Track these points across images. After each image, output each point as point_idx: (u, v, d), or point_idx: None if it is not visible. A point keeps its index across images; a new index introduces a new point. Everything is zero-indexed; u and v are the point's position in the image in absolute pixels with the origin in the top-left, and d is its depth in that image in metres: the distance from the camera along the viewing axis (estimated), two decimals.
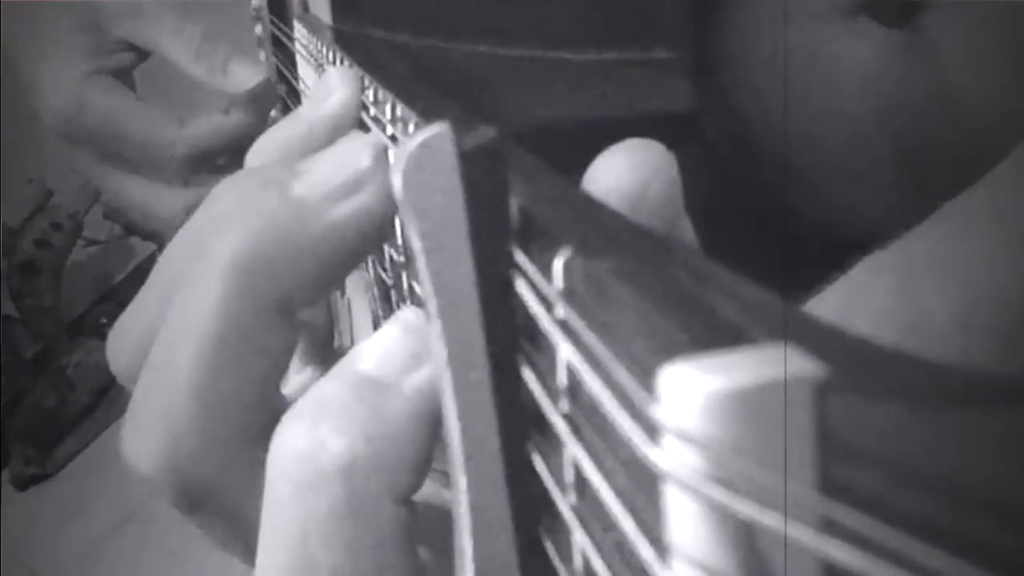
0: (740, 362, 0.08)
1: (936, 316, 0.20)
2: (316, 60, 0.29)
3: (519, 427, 0.13)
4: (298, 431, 0.14)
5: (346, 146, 0.17)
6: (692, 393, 0.08)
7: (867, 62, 0.31)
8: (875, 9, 0.31)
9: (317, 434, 0.14)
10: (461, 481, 0.13)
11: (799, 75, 0.32)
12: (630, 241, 0.12)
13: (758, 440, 0.08)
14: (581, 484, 0.12)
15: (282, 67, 0.40)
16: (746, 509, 0.08)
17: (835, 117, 0.32)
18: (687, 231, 0.16)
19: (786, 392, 0.08)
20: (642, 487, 0.10)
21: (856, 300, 0.21)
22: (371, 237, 0.16)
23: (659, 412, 0.09)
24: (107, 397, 1.21)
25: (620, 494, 0.10)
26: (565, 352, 0.11)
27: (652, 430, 0.09)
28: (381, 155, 0.16)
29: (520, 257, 0.13)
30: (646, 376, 0.09)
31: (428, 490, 0.19)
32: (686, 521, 0.09)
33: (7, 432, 1.20)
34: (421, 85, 0.18)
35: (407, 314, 0.15)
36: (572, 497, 0.12)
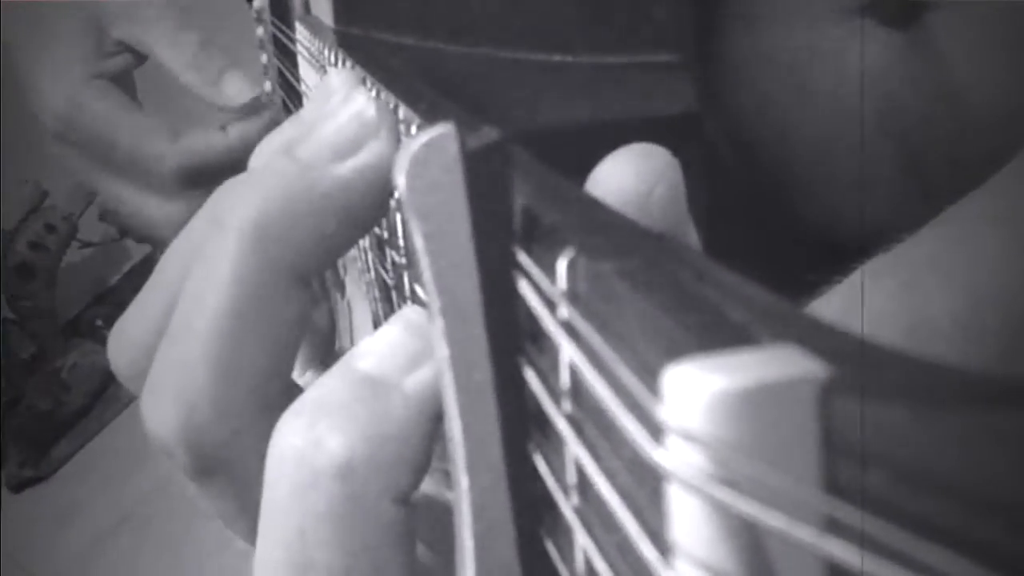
0: (744, 362, 0.08)
1: (939, 318, 0.20)
2: (318, 62, 0.29)
3: (521, 427, 0.13)
4: (296, 429, 0.14)
5: (349, 104, 0.17)
6: (696, 393, 0.08)
7: (870, 63, 0.31)
8: (878, 10, 0.31)
9: (315, 433, 0.14)
10: (463, 481, 0.13)
11: (802, 76, 0.32)
12: (634, 242, 0.12)
13: (762, 440, 0.08)
14: (583, 485, 0.12)
15: (284, 69, 0.40)
16: (750, 509, 0.08)
17: (838, 119, 0.32)
18: (691, 234, 0.16)
19: (789, 393, 0.08)
20: (645, 487, 0.10)
21: (859, 302, 0.21)
22: (378, 193, 0.16)
23: (663, 412, 0.09)
24: (102, 399, 1.21)
25: (622, 494, 0.10)
26: (568, 352, 0.11)
27: (656, 430, 0.09)
28: (383, 110, 0.17)
29: (523, 258, 0.13)
30: (650, 376, 0.09)
31: (429, 489, 0.19)
32: (690, 521, 0.09)
33: (2, 434, 1.20)
34: (423, 87, 0.18)
35: (408, 313, 0.15)
36: (574, 498, 0.12)
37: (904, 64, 0.31)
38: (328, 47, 0.26)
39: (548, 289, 0.12)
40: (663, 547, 0.09)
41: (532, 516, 0.13)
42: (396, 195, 0.18)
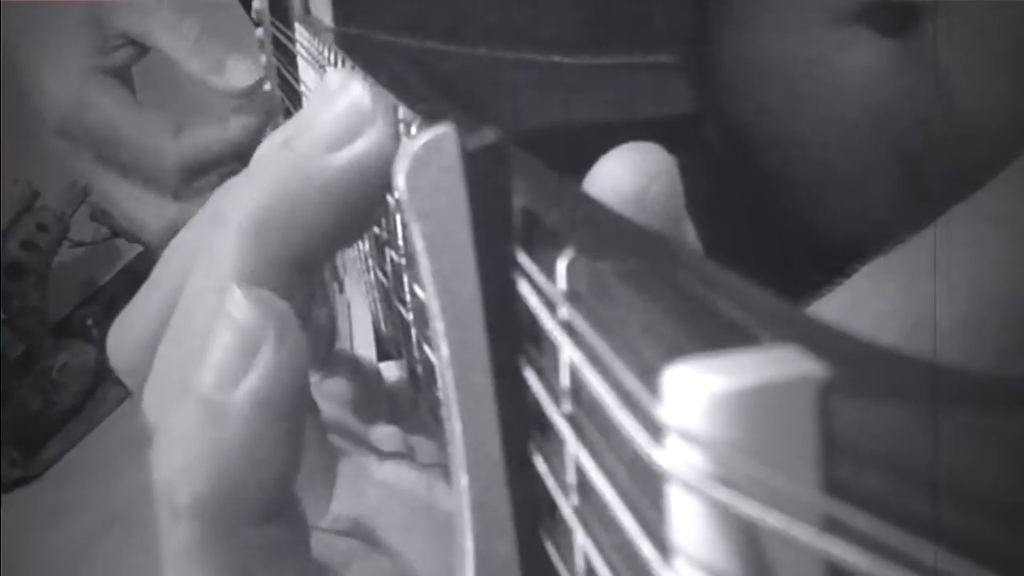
0: (744, 363, 0.08)
1: (940, 319, 0.20)
2: (317, 62, 0.29)
3: (521, 428, 0.13)
4: (155, 464, 0.15)
5: (344, 94, 0.17)
6: (696, 393, 0.08)
7: (866, 69, 0.31)
8: (874, 17, 0.31)
9: (166, 473, 0.14)
10: (463, 481, 0.13)
11: (799, 82, 0.32)
12: (634, 242, 0.12)
13: (762, 441, 0.08)
14: (583, 485, 0.12)
15: (283, 69, 0.40)
16: (750, 509, 0.08)
17: (835, 124, 0.32)
18: (688, 231, 0.16)
19: (789, 393, 0.08)
20: (644, 487, 0.10)
21: (860, 303, 0.22)
22: (377, 181, 0.16)
23: (663, 412, 0.09)
24: (92, 399, 1.21)
25: (622, 495, 0.10)
26: (568, 353, 0.11)
27: (655, 430, 0.09)
28: (379, 99, 0.17)
29: (523, 258, 0.13)
30: (650, 376, 0.09)
31: (422, 486, 0.19)
32: (689, 521, 0.09)
33: None
34: (423, 87, 0.18)
35: (238, 316, 0.15)
36: (574, 498, 0.12)
37: (900, 70, 0.31)
38: (328, 47, 0.26)
39: (548, 289, 0.12)
40: (663, 547, 0.09)
41: (532, 516, 0.13)
42: (395, 195, 0.18)
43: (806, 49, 0.32)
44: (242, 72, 0.43)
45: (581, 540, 0.11)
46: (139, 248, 1.22)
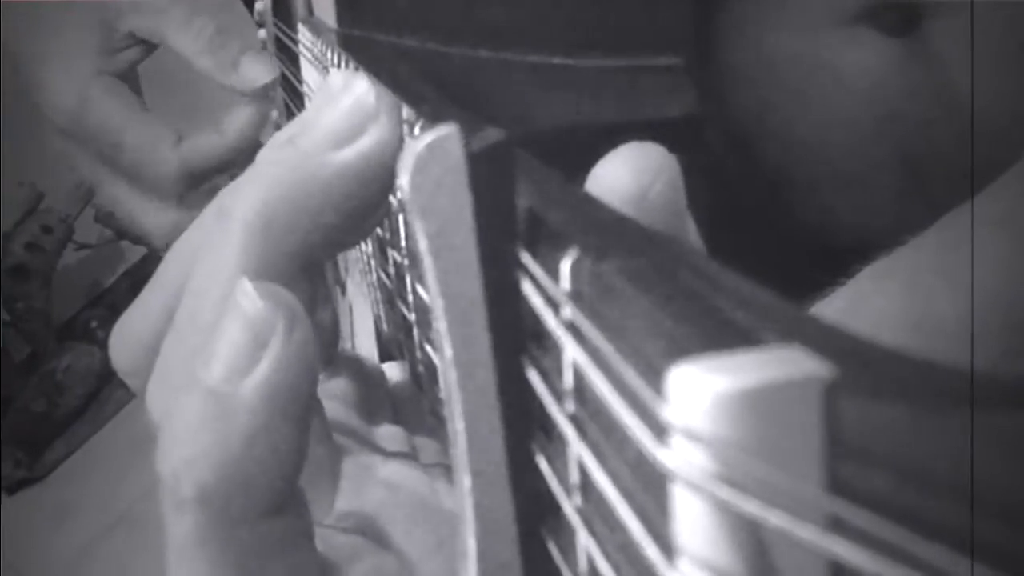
0: (748, 363, 0.08)
1: (943, 319, 0.20)
2: (320, 63, 0.29)
3: (524, 428, 0.13)
4: (160, 457, 0.14)
5: (348, 92, 0.17)
6: (700, 393, 0.08)
7: (870, 70, 0.31)
8: (877, 17, 0.31)
9: (172, 465, 0.14)
10: (465, 481, 0.13)
11: (802, 82, 0.32)
12: (637, 242, 0.12)
13: (766, 440, 0.08)
14: (586, 485, 0.12)
15: (286, 71, 0.40)
16: (754, 509, 0.08)
17: (838, 124, 0.32)
18: (690, 231, 0.16)
19: (793, 393, 0.08)
20: (648, 487, 0.10)
21: (862, 303, 0.22)
22: (380, 178, 0.16)
23: (667, 412, 0.09)
24: (97, 401, 1.21)
25: (626, 495, 0.10)
26: (571, 353, 0.11)
27: (660, 430, 0.09)
28: (383, 95, 0.17)
29: (527, 258, 0.13)
30: (654, 376, 0.09)
31: (425, 486, 0.19)
32: (693, 521, 0.09)
33: None
34: (426, 88, 0.18)
35: (246, 306, 0.14)
36: (577, 498, 0.12)
37: (903, 71, 0.31)
38: (330, 48, 0.26)
39: (551, 290, 0.12)
40: (666, 547, 0.09)
41: (534, 516, 0.13)
42: (399, 195, 0.18)
43: (809, 50, 0.32)
44: (259, 70, 0.43)
45: (584, 540, 0.11)
46: (144, 251, 1.22)
